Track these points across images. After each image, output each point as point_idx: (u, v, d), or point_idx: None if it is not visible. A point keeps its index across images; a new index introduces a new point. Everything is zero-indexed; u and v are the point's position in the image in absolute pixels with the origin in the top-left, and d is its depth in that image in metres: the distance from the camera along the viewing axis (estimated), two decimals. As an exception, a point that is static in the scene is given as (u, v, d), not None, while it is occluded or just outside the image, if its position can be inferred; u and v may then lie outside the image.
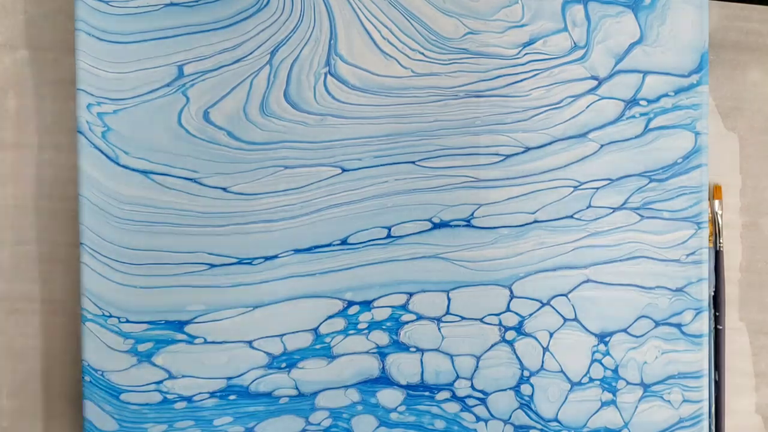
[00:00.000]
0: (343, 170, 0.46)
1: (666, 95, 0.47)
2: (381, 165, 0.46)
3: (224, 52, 0.45)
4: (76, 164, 0.45)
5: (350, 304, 0.46)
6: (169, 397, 0.45)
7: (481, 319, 0.46)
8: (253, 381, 0.45)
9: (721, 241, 0.51)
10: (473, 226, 0.46)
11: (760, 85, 0.52)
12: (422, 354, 0.46)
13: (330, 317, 0.46)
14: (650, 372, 0.47)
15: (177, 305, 0.45)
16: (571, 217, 0.47)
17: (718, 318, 0.50)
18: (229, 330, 0.45)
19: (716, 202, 0.51)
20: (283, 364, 0.45)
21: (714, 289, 0.51)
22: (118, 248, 0.45)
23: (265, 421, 0.45)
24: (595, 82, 0.47)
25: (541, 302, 0.47)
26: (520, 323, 0.47)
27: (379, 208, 0.46)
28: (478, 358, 0.46)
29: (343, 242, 0.46)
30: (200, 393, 0.45)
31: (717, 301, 0.51)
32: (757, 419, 0.51)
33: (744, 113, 0.52)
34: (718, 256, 0.51)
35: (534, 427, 0.47)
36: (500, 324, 0.46)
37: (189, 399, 0.45)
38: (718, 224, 0.51)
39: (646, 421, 0.47)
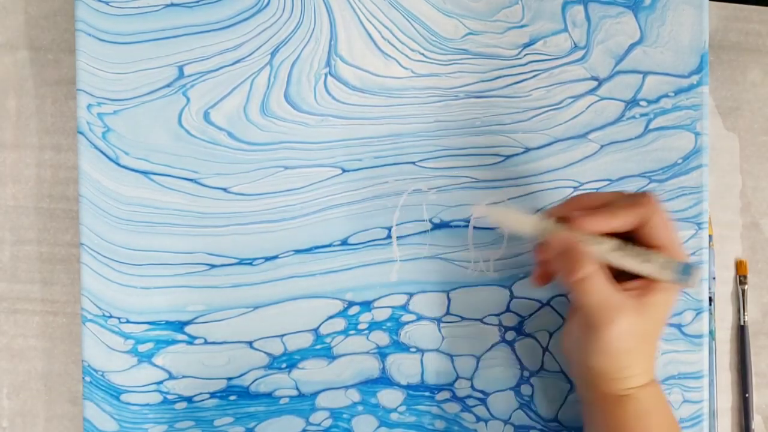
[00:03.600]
0: (344, 171, 0.46)
1: (666, 96, 0.47)
2: (381, 165, 0.46)
3: (224, 53, 0.45)
4: (76, 164, 0.45)
5: (350, 304, 0.46)
6: (169, 397, 0.45)
7: (481, 320, 0.46)
8: (253, 381, 0.45)
9: (746, 315, 0.51)
10: (473, 227, 0.46)
11: (760, 85, 0.52)
12: (422, 354, 0.46)
13: (330, 317, 0.46)
14: (650, 372, 0.47)
15: (177, 305, 0.45)
16: (571, 217, 0.47)
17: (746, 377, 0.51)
18: (229, 330, 0.45)
19: (740, 277, 0.52)
20: (284, 365, 0.46)
21: (742, 365, 0.51)
22: (118, 248, 0.45)
23: (265, 422, 0.45)
24: (595, 83, 0.47)
25: (541, 302, 0.47)
26: (520, 323, 0.47)
27: (379, 208, 0.46)
28: (478, 359, 0.46)
29: (343, 242, 0.46)
30: (201, 393, 0.45)
31: (744, 372, 0.51)
32: (757, 419, 0.51)
33: (744, 114, 0.52)
34: (743, 330, 0.51)
35: (534, 427, 0.47)
36: (500, 324, 0.46)
37: (189, 399, 0.45)
38: (743, 300, 0.51)
39: (646, 421, 0.47)
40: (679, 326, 0.47)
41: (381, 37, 0.46)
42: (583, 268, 0.38)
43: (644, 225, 0.39)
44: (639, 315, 0.38)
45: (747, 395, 0.50)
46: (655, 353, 0.41)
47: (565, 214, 0.40)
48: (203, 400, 0.45)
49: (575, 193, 0.46)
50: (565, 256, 0.39)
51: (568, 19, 0.47)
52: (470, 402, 0.46)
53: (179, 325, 0.45)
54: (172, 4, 0.45)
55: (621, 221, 0.39)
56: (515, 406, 0.47)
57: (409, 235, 0.46)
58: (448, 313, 0.46)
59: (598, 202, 0.40)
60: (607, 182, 0.47)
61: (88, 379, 0.45)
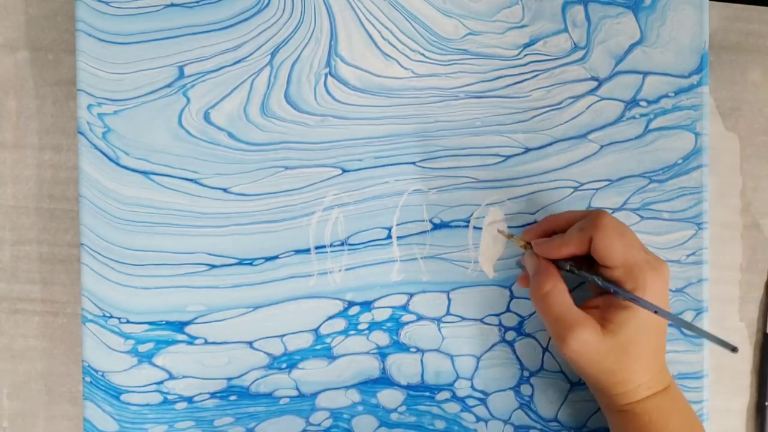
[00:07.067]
0: (344, 171, 0.46)
1: (666, 96, 0.47)
2: (381, 166, 0.46)
3: (225, 53, 0.45)
4: (76, 164, 0.45)
5: (351, 304, 0.46)
6: (169, 397, 0.45)
7: (481, 320, 0.46)
8: (253, 381, 0.45)
9: None
10: (473, 227, 0.46)
11: (760, 85, 0.52)
12: (422, 354, 0.46)
13: (330, 318, 0.46)
14: (650, 372, 0.47)
15: (177, 306, 0.45)
16: (571, 217, 0.47)
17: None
18: (229, 330, 0.45)
19: None
20: (284, 365, 0.46)
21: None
22: (118, 248, 0.45)
23: (265, 422, 0.45)
24: (595, 83, 0.47)
25: (541, 303, 0.47)
26: (520, 323, 0.47)
27: (379, 208, 0.46)
28: (478, 359, 0.46)
29: (343, 242, 0.46)
30: (201, 393, 0.45)
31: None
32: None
33: (744, 114, 0.52)
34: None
35: (534, 427, 0.47)
36: (500, 324, 0.46)
37: (189, 399, 0.45)
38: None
39: (646, 421, 0.47)
40: (679, 326, 0.47)
41: (381, 38, 0.46)
42: (546, 284, 0.40)
43: (591, 245, 0.40)
44: (601, 331, 0.39)
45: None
46: (650, 367, 0.40)
47: (529, 239, 0.43)
48: (203, 400, 0.45)
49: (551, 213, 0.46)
50: (534, 275, 0.42)
51: (568, 19, 0.47)
52: (470, 402, 0.46)
53: (179, 326, 0.45)
54: (172, 4, 0.45)
55: (572, 248, 0.41)
56: (515, 406, 0.47)
57: (409, 235, 0.46)
58: (448, 313, 0.46)
59: (559, 227, 0.43)
60: (607, 182, 0.47)
61: (88, 379, 0.45)
